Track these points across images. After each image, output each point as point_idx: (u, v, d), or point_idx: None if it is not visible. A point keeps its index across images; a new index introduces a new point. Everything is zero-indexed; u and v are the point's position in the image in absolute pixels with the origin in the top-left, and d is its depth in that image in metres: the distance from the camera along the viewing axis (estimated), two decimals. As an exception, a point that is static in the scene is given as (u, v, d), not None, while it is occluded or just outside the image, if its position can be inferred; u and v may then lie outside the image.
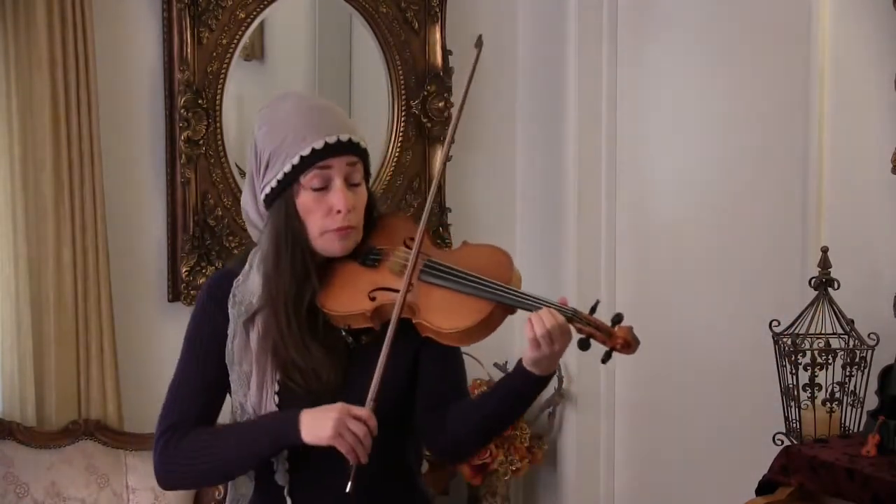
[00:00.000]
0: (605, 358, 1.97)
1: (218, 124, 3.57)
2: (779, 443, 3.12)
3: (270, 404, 2.00)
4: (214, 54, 3.55)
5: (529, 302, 1.97)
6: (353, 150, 2.01)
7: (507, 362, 3.84)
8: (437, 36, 3.95)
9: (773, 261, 3.49)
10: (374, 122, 3.99)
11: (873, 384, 3.03)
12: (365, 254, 2.06)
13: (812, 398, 3.06)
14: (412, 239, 2.07)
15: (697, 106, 3.75)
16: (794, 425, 3.11)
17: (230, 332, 2.02)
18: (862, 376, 3.03)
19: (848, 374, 3.03)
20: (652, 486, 4.00)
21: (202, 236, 3.56)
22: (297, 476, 2.04)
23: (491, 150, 4.13)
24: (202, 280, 3.54)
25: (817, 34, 3.30)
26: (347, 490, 1.91)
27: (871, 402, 3.04)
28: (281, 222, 2.00)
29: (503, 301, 1.99)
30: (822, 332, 3.07)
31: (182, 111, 3.48)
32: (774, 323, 3.11)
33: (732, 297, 3.59)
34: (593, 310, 2.00)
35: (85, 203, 3.31)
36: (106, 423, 3.34)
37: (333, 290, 2.02)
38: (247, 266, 2.06)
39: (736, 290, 3.59)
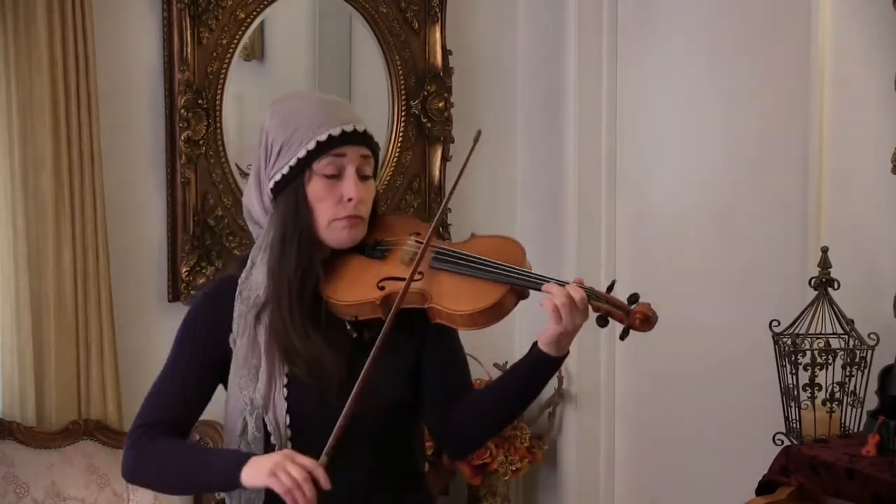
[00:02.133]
0: (623, 334, 1.99)
1: (218, 124, 3.57)
2: (779, 443, 3.12)
3: (280, 397, 2.00)
4: (214, 54, 3.55)
5: (543, 282, 1.98)
6: (367, 142, 2.05)
7: (506, 363, 3.84)
8: (437, 36, 3.95)
9: (773, 261, 3.49)
10: (374, 122, 3.98)
11: (873, 384, 3.03)
12: (372, 246, 2.07)
13: (812, 398, 3.06)
14: (418, 233, 2.08)
15: (697, 106, 3.75)
16: (794, 425, 3.11)
17: (236, 330, 2.02)
18: (862, 376, 3.03)
19: (848, 374, 3.03)
20: (652, 486, 4.00)
21: (202, 236, 3.56)
22: None
23: (491, 150, 4.13)
24: (202, 280, 3.54)
25: (817, 34, 3.30)
26: None
27: (871, 402, 3.04)
28: (290, 209, 2.01)
29: (516, 283, 2.00)
30: (822, 332, 3.07)
31: (182, 111, 3.48)
32: (774, 323, 3.11)
33: (732, 296, 3.59)
34: (610, 289, 2.01)
35: (85, 203, 3.31)
36: (106, 423, 3.34)
37: (340, 282, 2.03)
38: (248, 262, 2.06)
39: (736, 290, 3.59)
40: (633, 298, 2.00)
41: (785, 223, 3.44)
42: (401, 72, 3.91)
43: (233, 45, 3.59)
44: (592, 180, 4.00)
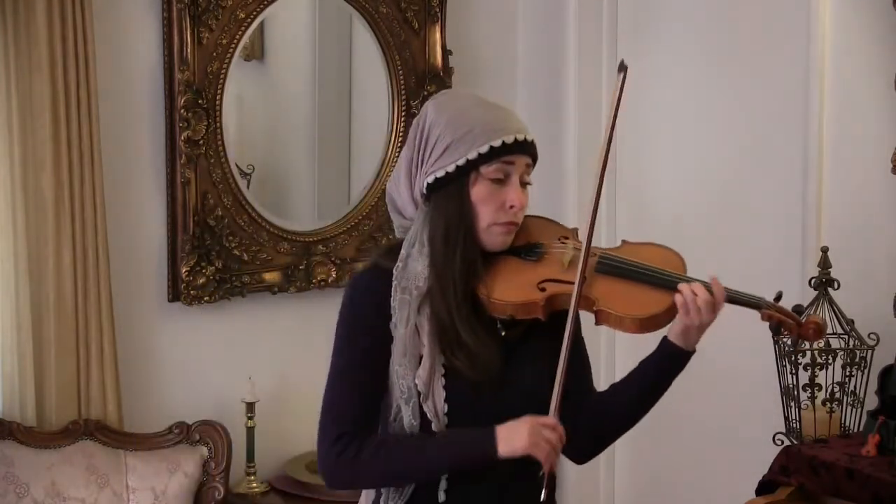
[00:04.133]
0: (794, 344, 2.07)
1: (218, 124, 3.57)
2: (779, 443, 3.12)
3: (438, 385, 2.03)
4: (214, 54, 3.55)
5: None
6: (533, 152, 2.08)
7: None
8: (437, 36, 3.95)
9: (773, 261, 3.49)
10: (374, 122, 3.99)
11: (873, 384, 3.04)
12: (525, 249, 2.09)
13: (812, 398, 3.06)
14: (566, 238, 2.11)
15: (697, 106, 3.76)
16: (794, 425, 3.11)
17: (399, 320, 2.04)
18: (862, 376, 3.03)
19: (848, 374, 3.03)
20: (652, 486, 4.00)
21: (202, 236, 3.56)
22: (454, 483, 2.06)
23: (491, 150, 4.13)
24: (202, 280, 3.54)
25: (817, 34, 3.31)
26: (542, 499, 1.96)
27: (871, 402, 3.05)
28: (454, 208, 2.04)
29: None
30: (822, 332, 3.07)
31: (182, 111, 3.48)
32: (774, 323, 3.11)
33: (732, 296, 3.58)
34: (778, 299, 2.09)
35: (85, 203, 3.31)
36: (106, 423, 3.34)
37: (498, 282, 2.05)
38: (403, 253, 2.07)
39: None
40: (799, 309, 2.09)
41: (785, 223, 3.44)
42: (401, 72, 3.91)
43: (233, 45, 3.59)
44: (592, 181, 3.99)
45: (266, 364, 3.66)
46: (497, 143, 2.01)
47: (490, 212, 2.04)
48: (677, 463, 3.87)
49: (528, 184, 2.09)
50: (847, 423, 3.07)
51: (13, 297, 3.24)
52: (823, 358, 3.03)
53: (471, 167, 2.02)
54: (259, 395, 3.56)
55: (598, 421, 2.13)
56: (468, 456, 2.00)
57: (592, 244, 2.07)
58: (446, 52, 3.98)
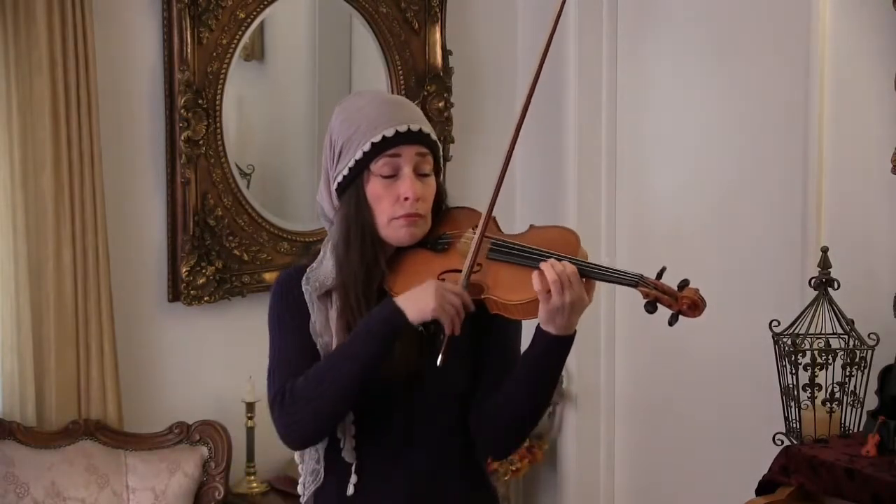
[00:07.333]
0: (672, 320, 1.98)
1: (218, 124, 3.57)
2: (779, 443, 3.12)
3: None
4: (214, 54, 3.55)
5: (594, 271, 1.97)
6: (422, 140, 2.06)
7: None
8: (437, 36, 3.95)
9: (773, 261, 3.49)
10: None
11: (873, 384, 3.04)
12: (434, 240, 2.09)
13: (812, 398, 3.06)
14: (476, 227, 2.09)
15: (697, 106, 3.76)
16: (794, 425, 3.11)
17: (311, 309, 2.06)
18: (862, 376, 3.03)
19: (848, 374, 3.03)
20: (652, 486, 4.00)
21: (202, 236, 3.56)
22: (365, 451, 2.06)
23: (491, 149, 4.13)
24: (202, 280, 3.54)
25: (817, 34, 3.31)
26: (438, 363, 1.93)
27: (871, 402, 3.05)
28: (351, 210, 2.05)
29: None
30: (822, 332, 3.08)
31: (182, 111, 3.48)
32: (774, 323, 3.11)
33: (732, 296, 3.59)
34: (660, 275, 2.01)
35: (85, 203, 3.31)
36: (106, 423, 3.34)
37: (404, 276, 2.05)
38: (320, 254, 2.10)
39: (736, 290, 3.59)
40: (684, 283, 2.00)
41: (785, 223, 3.44)
42: (401, 72, 3.91)
43: (233, 45, 3.59)
44: (592, 181, 4.00)
45: (266, 364, 3.65)
46: (377, 138, 2.01)
47: (387, 207, 2.03)
48: (677, 463, 3.87)
49: (427, 174, 2.07)
50: (847, 423, 3.07)
51: (13, 297, 3.24)
52: (823, 358, 3.03)
53: (361, 167, 2.03)
54: (259, 395, 3.56)
55: (495, 410, 2.05)
56: (380, 333, 1.95)
57: (504, 231, 2.06)
58: (446, 52, 3.98)
